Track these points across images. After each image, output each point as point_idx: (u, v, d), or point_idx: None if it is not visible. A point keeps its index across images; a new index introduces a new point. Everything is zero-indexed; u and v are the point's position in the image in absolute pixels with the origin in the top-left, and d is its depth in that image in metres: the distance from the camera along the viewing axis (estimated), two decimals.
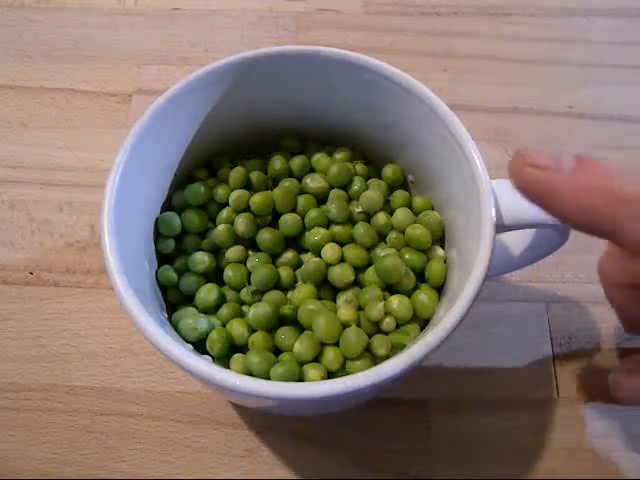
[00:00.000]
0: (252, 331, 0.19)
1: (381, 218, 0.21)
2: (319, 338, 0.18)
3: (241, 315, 0.20)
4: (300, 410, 0.21)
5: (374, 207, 0.21)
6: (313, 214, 0.21)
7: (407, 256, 0.20)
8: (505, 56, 0.33)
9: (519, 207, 0.17)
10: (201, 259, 0.21)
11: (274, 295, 0.20)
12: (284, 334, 0.19)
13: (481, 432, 0.23)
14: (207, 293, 0.20)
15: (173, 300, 0.21)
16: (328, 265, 0.20)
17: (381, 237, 0.21)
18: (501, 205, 0.17)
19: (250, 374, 0.18)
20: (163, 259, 0.21)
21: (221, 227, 0.21)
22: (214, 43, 0.33)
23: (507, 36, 0.34)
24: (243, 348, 0.19)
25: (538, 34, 0.34)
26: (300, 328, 0.19)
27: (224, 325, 0.19)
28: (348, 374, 0.15)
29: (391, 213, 0.21)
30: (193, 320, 0.19)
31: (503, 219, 0.17)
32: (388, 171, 0.22)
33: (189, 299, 0.21)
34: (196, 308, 0.20)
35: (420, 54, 0.33)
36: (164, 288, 0.21)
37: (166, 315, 0.20)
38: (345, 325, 0.18)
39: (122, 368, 0.24)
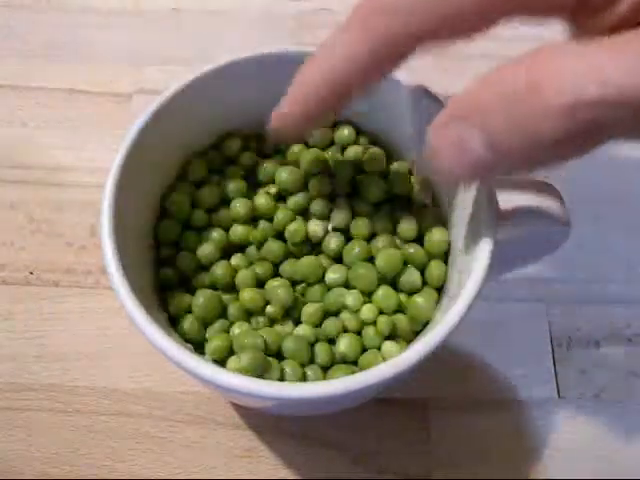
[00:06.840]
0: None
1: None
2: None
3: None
4: (300, 410, 0.21)
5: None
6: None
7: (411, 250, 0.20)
8: (506, 56, 0.33)
9: (520, 206, 0.17)
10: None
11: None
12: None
13: (481, 432, 0.23)
14: None
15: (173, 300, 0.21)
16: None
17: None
18: (501, 204, 0.17)
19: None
20: (163, 259, 0.21)
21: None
22: (214, 43, 0.33)
23: (508, 37, 0.34)
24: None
25: (539, 34, 0.33)
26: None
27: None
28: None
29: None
30: (193, 320, 0.19)
31: (504, 218, 0.17)
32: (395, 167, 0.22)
33: None
34: None
35: (420, 53, 0.33)
36: (164, 288, 0.21)
37: (166, 315, 0.20)
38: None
39: (122, 368, 0.24)
